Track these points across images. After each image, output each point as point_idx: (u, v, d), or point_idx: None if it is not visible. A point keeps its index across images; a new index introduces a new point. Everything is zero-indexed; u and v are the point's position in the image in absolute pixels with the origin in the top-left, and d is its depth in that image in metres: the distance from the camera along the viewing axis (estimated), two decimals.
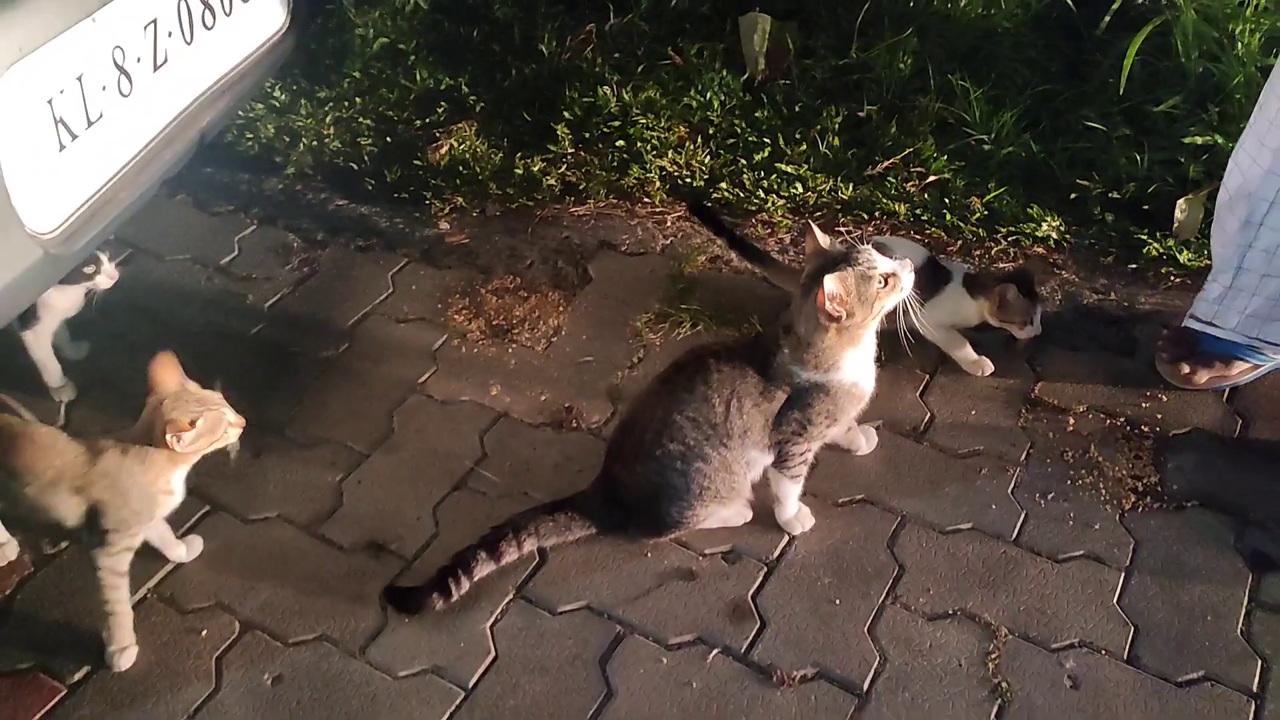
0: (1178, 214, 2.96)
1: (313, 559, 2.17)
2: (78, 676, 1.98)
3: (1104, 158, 3.13)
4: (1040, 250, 2.95)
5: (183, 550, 2.15)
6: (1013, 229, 3.01)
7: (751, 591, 2.12)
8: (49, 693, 1.95)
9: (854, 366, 2.03)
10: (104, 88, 2.00)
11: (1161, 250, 2.90)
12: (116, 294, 2.60)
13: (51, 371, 2.42)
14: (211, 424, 1.85)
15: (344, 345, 2.63)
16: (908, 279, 1.97)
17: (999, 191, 3.08)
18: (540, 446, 2.40)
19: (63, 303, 2.34)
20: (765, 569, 2.16)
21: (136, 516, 1.91)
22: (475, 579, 2.07)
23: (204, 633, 2.05)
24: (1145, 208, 3.01)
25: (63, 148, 1.93)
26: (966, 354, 2.53)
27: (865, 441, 2.36)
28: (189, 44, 2.21)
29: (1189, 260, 2.85)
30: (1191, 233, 2.91)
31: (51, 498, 1.88)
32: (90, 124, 1.99)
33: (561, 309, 2.74)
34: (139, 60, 2.08)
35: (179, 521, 2.16)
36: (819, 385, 2.02)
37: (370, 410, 2.46)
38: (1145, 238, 2.93)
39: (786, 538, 2.21)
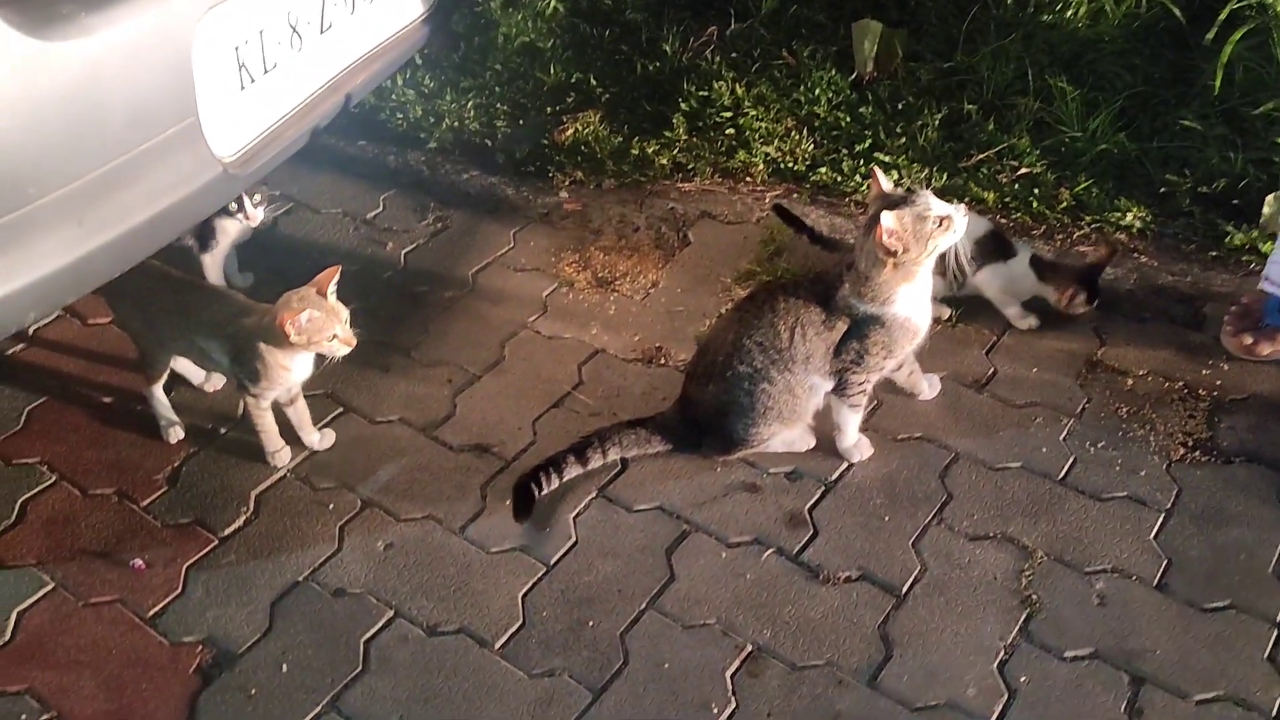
0: (1266, 208, 3.05)
1: (426, 455, 2.50)
2: (227, 531, 2.34)
3: (1198, 156, 3.24)
4: (1122, 237, 3.08)
5: (317, 438, 2.51)
6: (1097, 218, 3.15)
7: (808, 505, 2.34)
8: (203, 541, 2.31)
9: (908, 301, 2.24)
10: (279, 43, 2.39)
11: (1245, 240, 3.00)
12: (279, 237, 3.03)
13: None
14: (317, 325, 2.19)
15: (467, 288, 2.97)
16: (960, 222, 2.18)
17: (1087, 184, 3.23)
18: (630, 378, 2.68)
19: (233, 230, 2.75)
20: (823, 488, 2.38)
21: (261, 376, 2.29)
22: (564, 479, 2.35)
23: (330, 506, 2.39)
24: (1235, 202, 3.11)
25: (243, 88, 2.32)
26: (1014, 310, 2.71)
27: (928, 387, 2.56)
28: (351, 14, 2.60)
29: (1270, 249, 2.93)
30: None
31: (209, 340, 2.30)
32: (266, 71, 2.38)
33: (660, 266, 3.02)
34: (309, 23, 2.47)
35: (318, 415, 2.51)
36: (875, 317, 2.24)
37: (485, 341, 2.79)
38: (1231, 229, 3.03)
39: (845, 464, 2.42)
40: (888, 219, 2.12)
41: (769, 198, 3.31)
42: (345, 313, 2.24)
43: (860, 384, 2.31)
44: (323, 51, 2.55)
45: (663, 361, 2.71)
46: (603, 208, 3.25)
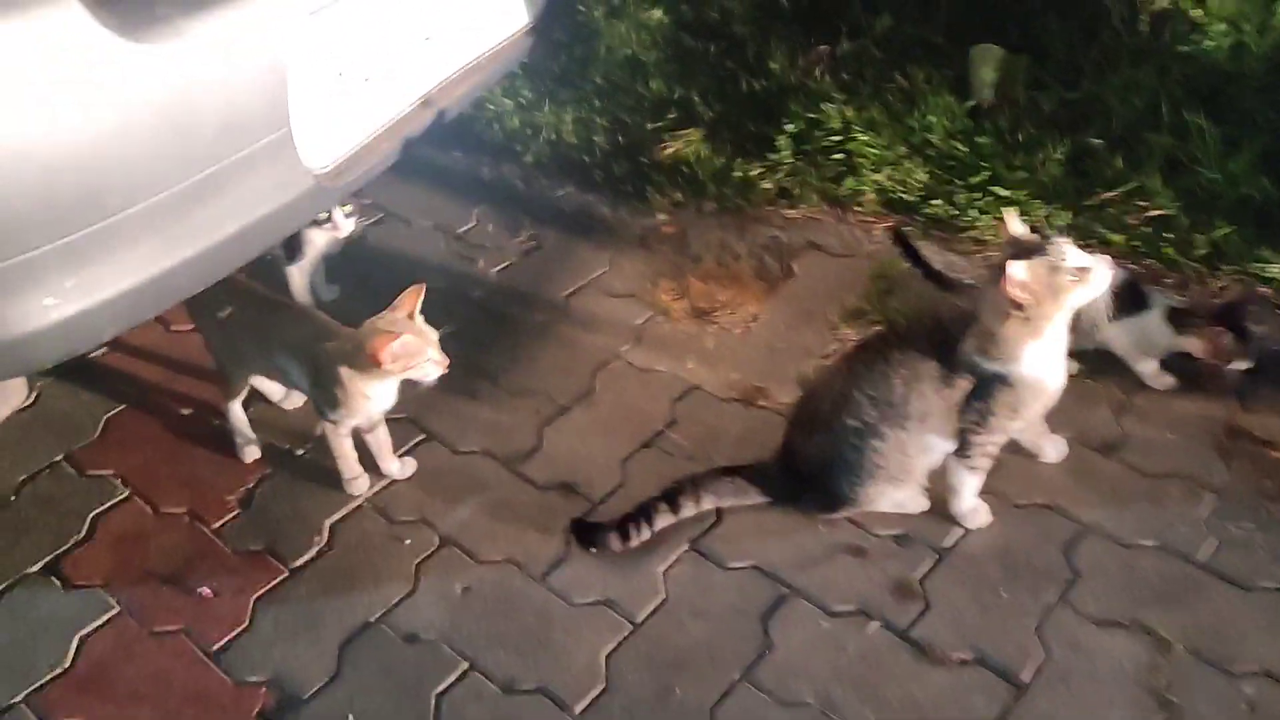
0: None
1: (509, 491, 2.36)
2: (298, 562, 2.23)
3: None
4: (1267, 291, 2.84)
5: (396, 467, 2.38)
6: (1238, 268, 2.91)
7: (919, 574, 2.16)
8: (273, 572, 2.20)
9: (1037, 360, 2.04)
10: (377, 53, 2.27)
11: None
12: (367, 249, 2.92)
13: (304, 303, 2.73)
14: (411, 350, 2.06)
15: (559, 312, 2.84)
16: (1103, 276, 1.97)
17: (1227, 230, 2.98)
18: (727, 419, 2.51)
19: (322, 242, 2.65)
20: (935, 555, 2.19)
21: (340, 403, 2.17)
22: (655, 528, 2.20)
23: (408, 542, 2.26)
24: None
25: (338, 98, 2.21)
26: (1149, 367, 2.48)
27: (1052, 449, 2.35)
28: (453, 24, 2.48)
29: None
30: None
31: (289, 361, 2.20)
32: (363, 81, 2.27)
33: (762, 298, 2.85)
34: (410, 32, 2.35)
35: (398, 441, 2.39)
36: (1000, 376, 2.05)
37: (575, 369, 2.65)
38: None
39: (960, 530, 2.23)
40: (1017, 269, 1.93)
41: (879, 229, 3.12)
42: (435, 334, 2.11)
43: (982, 446, 2.12)
44: (422, 62, 2.43)
45: (762, 403, 2.54)
46: (702, 232, 3.10)
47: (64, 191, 1.72)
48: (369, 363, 2.06)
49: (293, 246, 2.65)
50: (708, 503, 2.25)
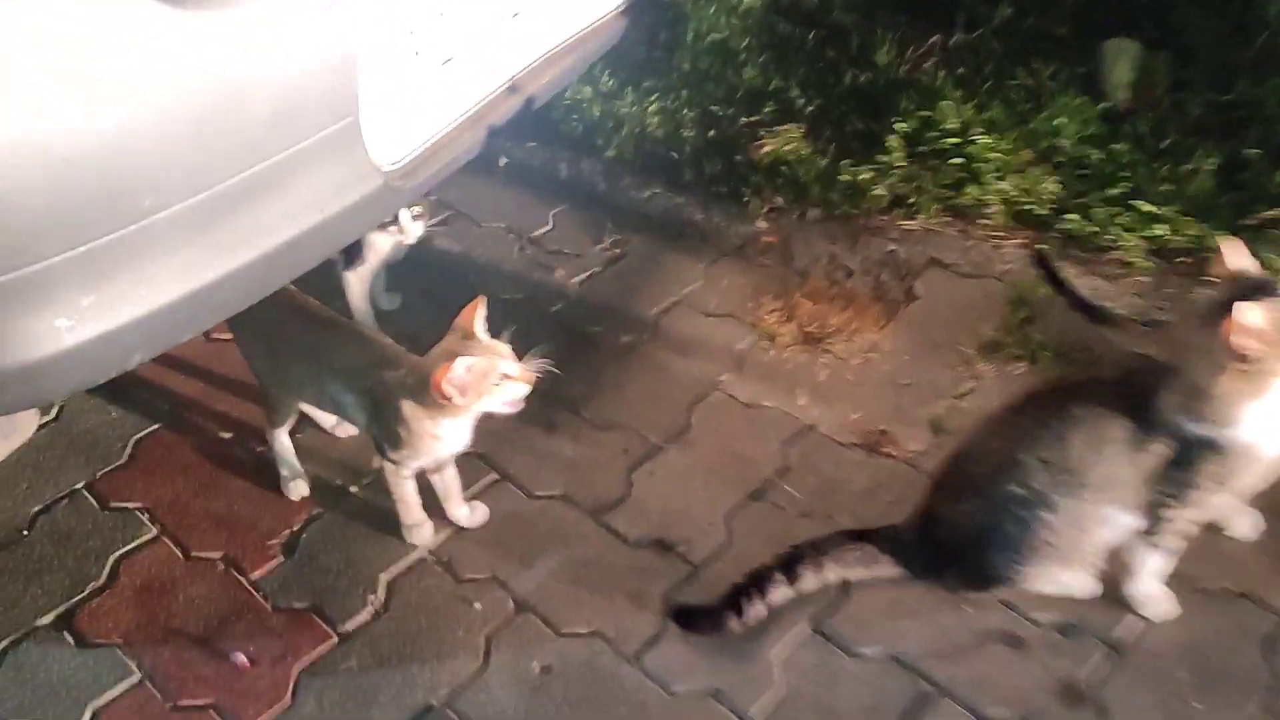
0: None
1: (594, 546, 2.02)
2: (349, 626, 1.90)
3: None
4: None
5: (465, 513, 2.05)
6: None
7: (1089, 674, 1.79)
8: (320, 636, 1.88)
9: (1258, 422, 1.67)
10: (458, 31, 1.93)
11: None
12: (432, 253, 2.58)
13: (363, 316, 2.41)
14: (479, 373, 1.72)
15: (647, 332, 2.49)
16: None
17: None
18: (848, 468, 2.16)
19: (385, 246, 2.31)
20: (1109, 651, 1.82)
21: (403, 442, 1.85)
22: (770, 603, 1.85)
23: (477, 605, 1.93)
24: None
25: (412, 83, 1.87)
26: None
27: (1245, 523, 1.97)
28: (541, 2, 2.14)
29: None
30: None
31: (344, 392, 1.88)
32: (442, 64, 1.93)
33: (881, 324, 2.49)
34: (495, 8, 2.01)
35: (467, 481, 2.06)
36: (1209, 441, 1.68)
37: (668, 401, 2.30)
38: None
39: (1138, 620, 1.86)
40: (1249, 313, 1.56)
41: (1009, 245, 2.73)
42: (505, 348, 1.78)
43: (1177, 523, 1.75)
44: (509, 42, 2.09)
45: (888, 451, 2.18)
46: (808, 243, 2.73)
47: (82, 189, 1.39)
48: (436, 398, 1.72)
49: (351, 251, 2.32)
50: (832, 574, 1.90)
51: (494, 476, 2.16)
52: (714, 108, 3.26)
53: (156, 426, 2.27)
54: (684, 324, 2.52)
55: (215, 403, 2.32)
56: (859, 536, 1.93)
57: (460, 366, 1.70)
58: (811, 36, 3.50)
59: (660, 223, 2.84)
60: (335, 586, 1.96)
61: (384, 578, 1.98)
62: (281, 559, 2.02)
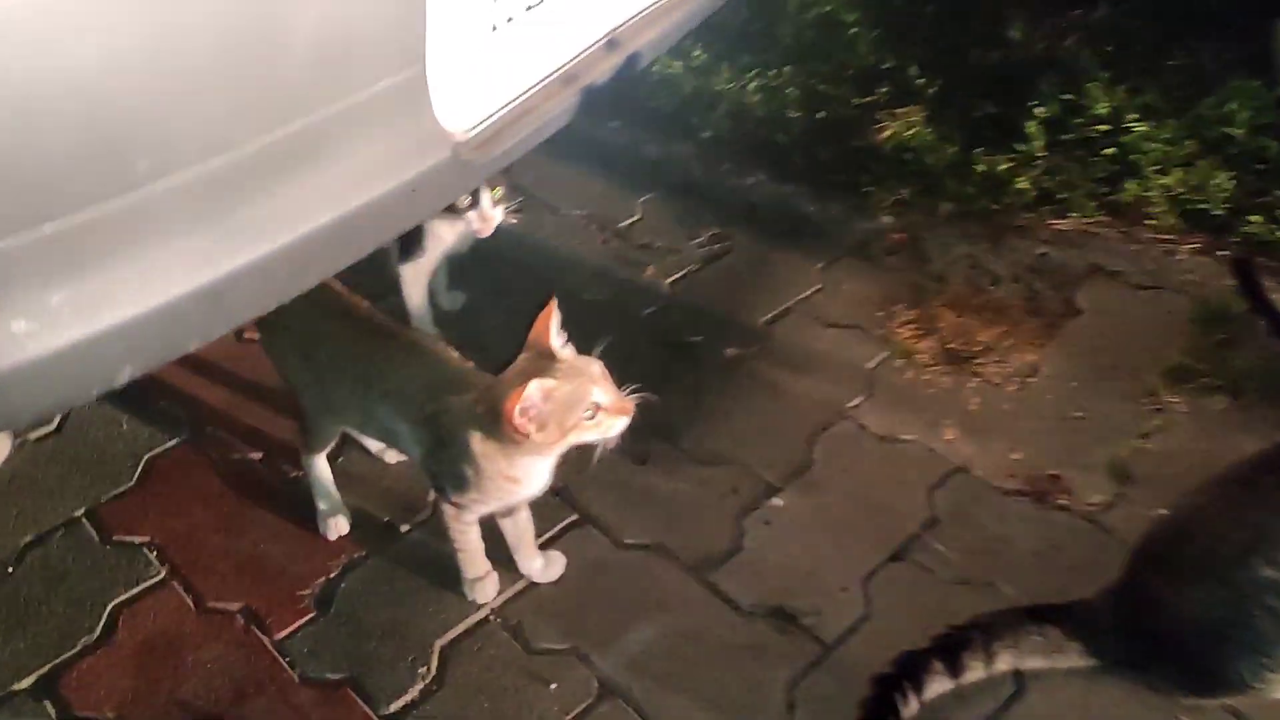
0: None
1: (698, 614, 1.62)
2: (393, 707, 1.53)
3: None
4: None
5: (539, 565, 1.66)
6: None
7: None
8: (357, 718, 1.49)
9: None
10: None
11: None
12: (502, 244, 2.19)
13: (420, 318, 2.03)
14: (562, 402, 1.33)
15: (757, 344, 2.09)
16: None
17: None
18: (1013, 522, 1.74)
19: (449, 235, 1.93)
20: None
21: (470, 484, 1.46)
22: (925, 698, 1.44)
23: (553, 687, 1.54)
24: None
25: (494, 30, 1.48)
26: None
27: None
28: None
29: None
30: None
31: (397, 419, 1.50)
32: (529, 8, 1.53)
33: (1040, 342, 2.06)
34: None
35: (541, 524, 1.67)
36: None
37: (785, 431, 1.90)
38: None
39: None
40: None
41: (1184, 250, 2.29)
42: (596, 366, 1.39)
43: None
44: None
45: (1061, 501, 1.76)
46: (943, 244, 2.31)
47: (48, 143, 1.01)
48: (510, 433, 1.33)
49: (409, 240, 1.93)
50: (1004, 662, 1.49)
51: (573, 518, 1.77)
52: (821, 87, 2.88)
53: (174, 442, 1.91)
54: (800, 336, 2.11)
55: (245, 415, 1.95)
56: (1037, 615, 1.52)
57: (536, 392, 1.30)
58: (929, 9, 3.12)
59: (767, 215, 2.44)
60: (378, 654, 1.58)
61: (438, 644, 1.60)
62: (314, 614, 1.64)
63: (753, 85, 2.87)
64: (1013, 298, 2.17)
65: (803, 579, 1.67)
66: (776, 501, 1.80)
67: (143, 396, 1.97)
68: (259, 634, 1.61)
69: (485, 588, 1.63)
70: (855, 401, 1.96)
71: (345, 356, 1.54)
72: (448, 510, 1.54)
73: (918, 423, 1.91)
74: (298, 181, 1.23)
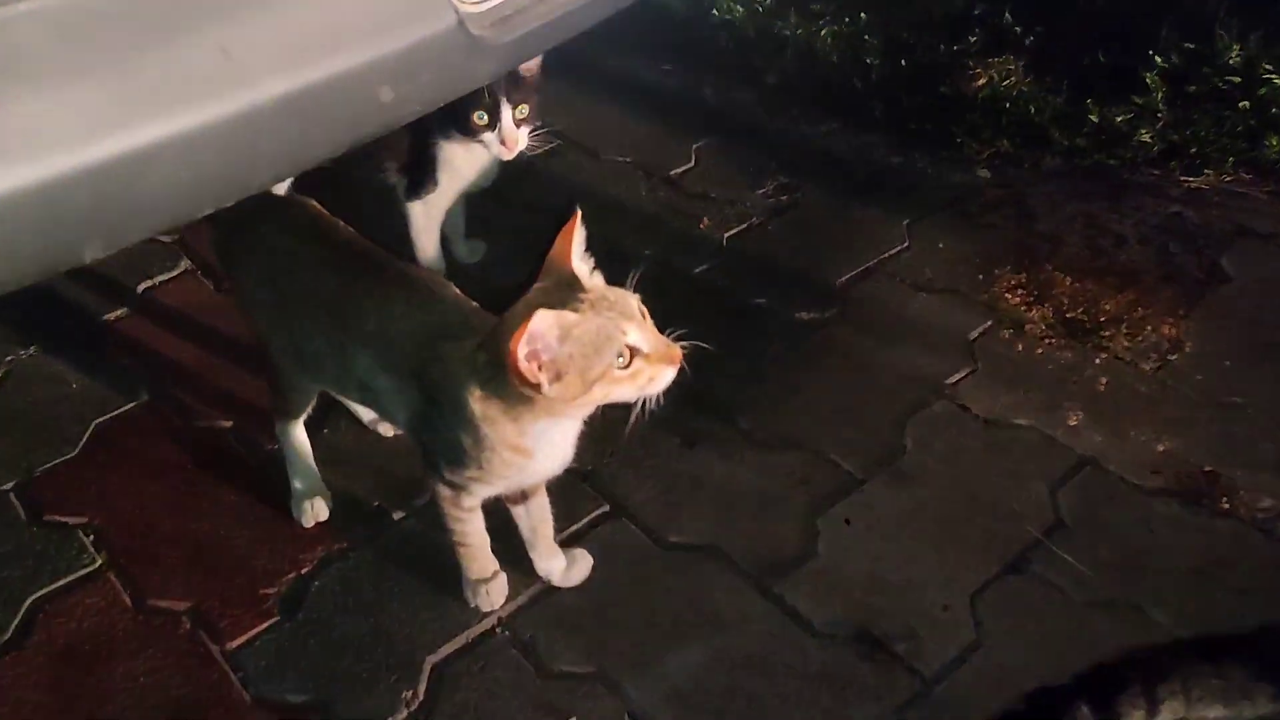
0: None
1: (760, 634, 1.27)
2: None
3: None
4: None
5: (560, 566, 1.32)
6: None
7: None
8: None
9: None
10: None
11: None
12: (530, 189, 1.87)
13: (432, 267, 1.70)
14: (585, 339, 0.99)
15: (833, 308, 1.73)
16: None
17: None
18: (1161, 529, 1.37)
19: (466, 165, 1.60)
20: None
21: (468, 458, 1.12)
22: None
23: (573, 719, 1.19)
24: None
25: None
26: None
27: None
28: None
29: None
30: None
31: (380, 371, 1.17)
32: None
33: (1180, 313, 1.69)
34: None
35: (564, 515, 1.33)
36: None
37: (869, 411, 1.54)
38: None
39: None
40: None
41: None
42: (632, 298, 1.05)
43: None
44: None
45: (1223, 503, 1.39)
46: (1052, 201, 1.95)
47: None
48: (515, 383, 0.99)
49: (419, 169, 1.61)
50: (1170, 711, 1.12)
51: (604, 509, 1.42)
52: (903, 34, 2.54)
53: (129, 406, 1.58)
54: (886, 299, 1.75)
55: (217, 376, 1.64)
56: (1211, 649, 1.15)
57: (547, 325, 0.96)
58: None
59: (843, 165, 2.10)
60: (353, 672, 1.25)
61: (430, 661, 1.26)
62: (277, 619, 1.31)
63: (824, 31, 2.52)
64: (1144, 261, 1.81)
65: (893, 594, 1.31)
66: (859, 496, 1.43)
67: (97, 352, 1.66)
68: (208, 641, 1.29)
69: (491, 592, 1.29)
70: (955, 377, 1.60)
71: (320, 291, 1.21)
72: (442, 493, 1.20)
73: (1033, 404, 1.55)
74: (251, 26, 0.91)
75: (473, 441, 1.09)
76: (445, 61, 1.10)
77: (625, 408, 1.05)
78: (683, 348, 1.04)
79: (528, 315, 0.95)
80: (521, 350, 0.96)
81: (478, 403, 1.06)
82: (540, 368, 0.98)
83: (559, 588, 1.34)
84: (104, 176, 0.84)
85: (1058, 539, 1.37)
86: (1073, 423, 1.52)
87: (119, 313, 1.74)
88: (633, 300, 1.03)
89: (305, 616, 1.31)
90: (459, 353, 1.08)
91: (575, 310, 0.99)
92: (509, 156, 1.54)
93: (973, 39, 2.47)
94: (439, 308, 1.16)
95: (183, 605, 1.33)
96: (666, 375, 1.02)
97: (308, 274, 1.22)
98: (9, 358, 1.66)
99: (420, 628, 1.30)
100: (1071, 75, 2.37)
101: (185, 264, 1.82)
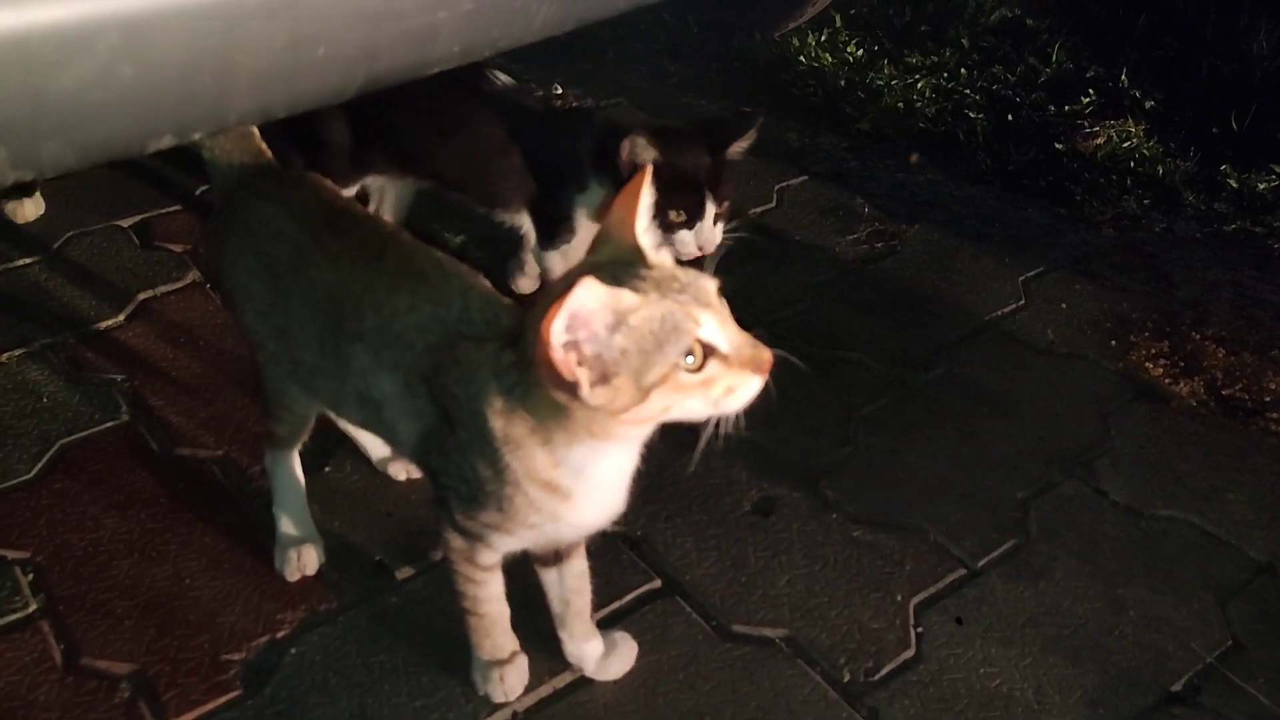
0: None
1: None
2: None
3: None
4: None
5: (596, 651, 1.05)
6: None
7: None
8: None
9: None
10: None
11: None
12: None
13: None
14: (652, 332, 0.74)
15: (937, 368, 1.47)
16: None
17: None
18: None
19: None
20: None
21: (490, 497, 0.86)
22: None
23: None
24: None
25: None
26: None
27: None
28: None
29: None
30: None
31: (379, 369, 0.92)
32: None
33: None
34: None
35: (605, 588, 1.06)
36: None
37: (982, 488, 1.26)
38: None
39: None
40: None
41: None
42: (709, 282, 0.79)
43: None
44: None
45: None
46: (1191, 266, 1.68)
47: None
48: (548, 377, 0.73)
49: (555, 219, 1.41)
50: None
51: (654, 584, 1.15)
52: (1006, 92, 2.36)
53: (104, 426, 1.34)
54: (1000, 362, 1.48)
55: (211, 401, 1.40)
56: None
57: (589, 301, 0.70)
58: (1141, 20, 2.58)
59: (947, 215, 1.85)
60: None
61: None
62: (238, 693, 1.04)
63: (921, 85, 2.32)
64: None
65: (1016, 714, 1.01)
66: (972, 590, 1.14)
67: (79, 364, 1.43)
68: (147, 716, 1.02)
69: (506, 679, 1.02)
70: (1088, 455, 1.31)
71: (319, 282, 0.96)
72: (453, 544, 0.94)
73: (1188, 493, 1.26)
74: None
75: (493, 473, 0.83)
76: None
77: (689, 440, 0.79)
78: (777, 357, 0.78)
79: (569, 289, 0.70)
80: (557, 334, 0.71)
81: (499, 418, 0.81)
82: (581, 362, 0.73)
83: (593, 679, 1.05)
84: (12, 56, 0.61)
85: (1234, 663, 1.06)
86: (1238, 518, 1.23)
87: (111, 322, 1.52)
88: (710, 285, 0.78)
89: (273, 693, 1.04)
90: (480, 355, 0.83)
91: (635, 290, 0.74)
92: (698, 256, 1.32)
93: (1086, 100, 2.25)
94: (461, 301, 0.91)
95: (124, 668, 1.06)
96: (751, 386, 0.76)
97: (308, 262, 0.98)
98: None
99: (415, 716, 1.02)
100: (1198, 141, 2.14)
101: (194, 275, 1.59)
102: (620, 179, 1.27)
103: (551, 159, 1.36)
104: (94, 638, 1.09)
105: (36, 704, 1.03)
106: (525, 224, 1.44)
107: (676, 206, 1.28)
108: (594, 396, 0.74)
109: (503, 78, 1.40)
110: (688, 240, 1.32)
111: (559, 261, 1.42)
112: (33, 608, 1.12)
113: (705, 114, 2.10)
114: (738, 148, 1.33)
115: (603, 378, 0.74)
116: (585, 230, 1.39)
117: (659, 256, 0.79)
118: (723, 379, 0.75)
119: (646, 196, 0.80)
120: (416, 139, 1.39)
